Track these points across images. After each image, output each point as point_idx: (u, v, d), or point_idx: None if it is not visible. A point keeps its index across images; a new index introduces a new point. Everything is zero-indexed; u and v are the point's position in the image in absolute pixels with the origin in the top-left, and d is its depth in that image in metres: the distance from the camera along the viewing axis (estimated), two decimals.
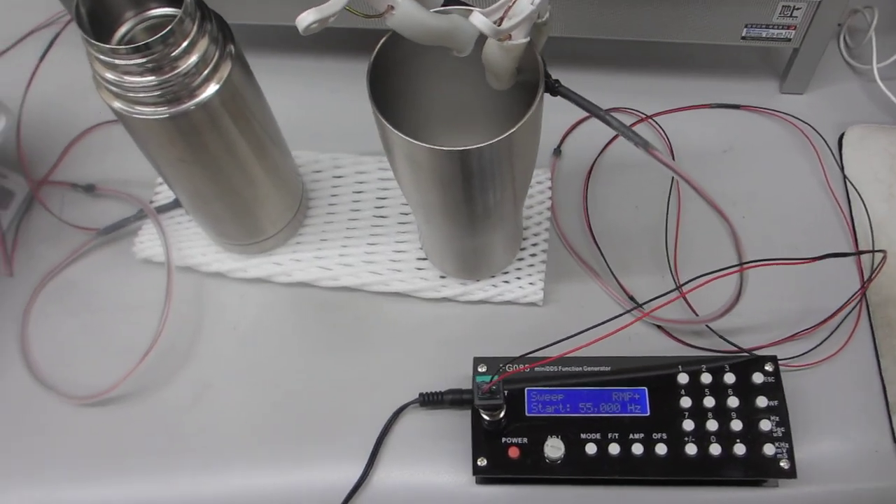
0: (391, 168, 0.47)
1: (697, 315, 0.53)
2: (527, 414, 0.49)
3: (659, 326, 0.54)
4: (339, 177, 0.60)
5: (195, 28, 0.41)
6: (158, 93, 0.42)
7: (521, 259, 0.56)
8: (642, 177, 0.59)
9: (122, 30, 0.44)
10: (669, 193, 0.58)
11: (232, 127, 0.46)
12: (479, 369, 0.50)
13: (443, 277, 0.56)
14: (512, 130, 0.40)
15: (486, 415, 0.48)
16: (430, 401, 0.52)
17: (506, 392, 0.48)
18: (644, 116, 0.61)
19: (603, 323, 0.46)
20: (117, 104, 0.43)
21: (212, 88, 0.43)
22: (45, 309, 0.59)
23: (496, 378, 0.44)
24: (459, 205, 0.46)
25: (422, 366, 0.54)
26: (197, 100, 0.43)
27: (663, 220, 0.58)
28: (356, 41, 0.66)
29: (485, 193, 0.44)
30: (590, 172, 0.60)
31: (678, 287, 0.52)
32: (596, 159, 0.61)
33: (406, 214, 0.58)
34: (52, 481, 0.53)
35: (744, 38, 0.58)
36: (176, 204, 0.60)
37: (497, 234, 0.51)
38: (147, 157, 0.50)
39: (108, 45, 0.40)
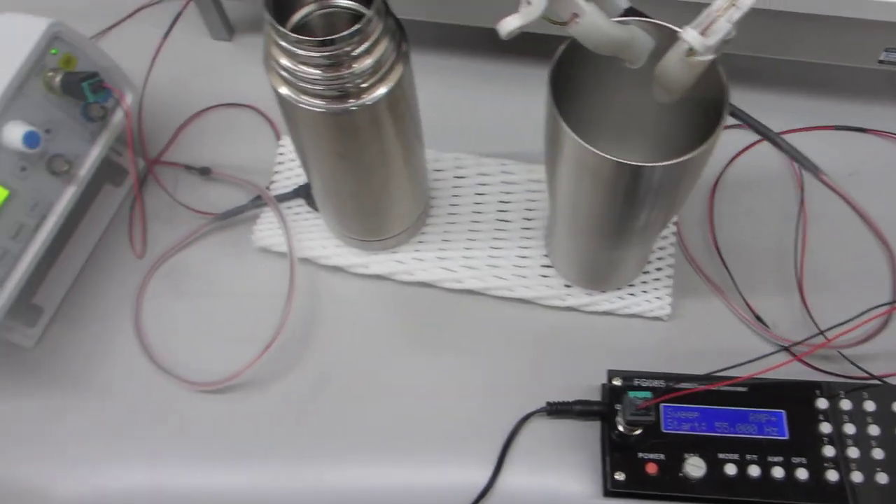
0: (548, 172, 0.47)
1: (829, 340, 0.53)
2: (663, 430, 0.49)
3: (785, 348, 0.54)
4: (461, 177, 0.59)
5: (380, 29, 0.40)
6: (330, 87, 0.41)
7: (646, 272, 0.56)
8: (767, 193, 0.59)
9: (301, 13, 0.43)
10: (799, 213, 0.58)
11: (391, 127, 0.45)
12: (614, 382, 0.51)
13: (567, 286, 0.56)
14: (696, 152, 0.40)
15: (627, 430, 0.48)
16: (557, 410, 0.52)
17: None
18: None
19: (751, 361, 0.47)
20: (284, 90, 0.42)
21: (382, 90, 0.42)
22: (158, 291, 0.59)
23: (656, 399, 0.44)
24: (616, 217, 0.45)
25: (543, 374, 0.54)
26: (365, 99, 0.42)
27: (790, 238, 0.57)
28: (476, 40, 0.66)
29: (645, 209, 0.44)
30: (714, 187, 0.60)
31: (822, 332, 0.53)
32: (721, 174, 0.60)
33: (530, 220, 0.58)
34: (172, 465, 0.53)
35: (881, 61, 0.57)
36: (296, 194, 0.59)
37: (637, 248, 0.51)
38: (296, 146, 0.49)
39: (295, 35, 0.39)
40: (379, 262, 0.57)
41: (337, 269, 0.58)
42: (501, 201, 0.58)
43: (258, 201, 0.60)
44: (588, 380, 0.53)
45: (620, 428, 0.48)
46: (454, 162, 0.60)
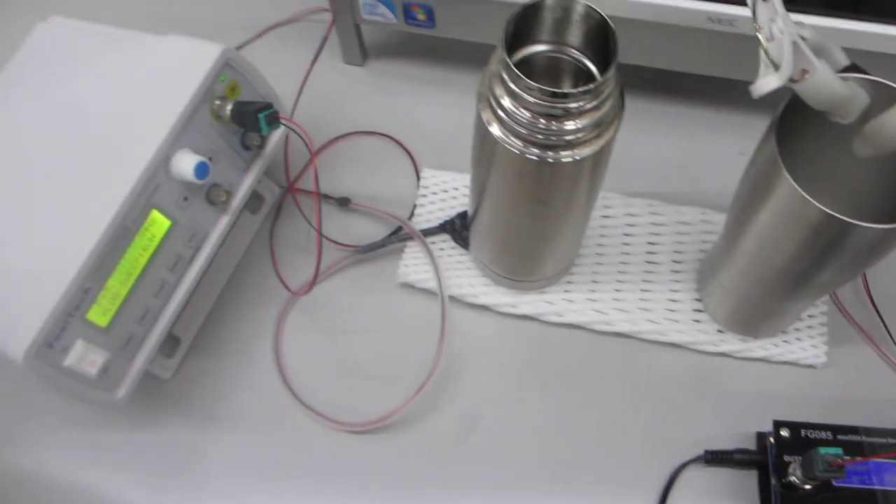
0: (738, 218, 0.47)
1: None
2: (834, 483, 0.48)
3: None
4: (608, 217, 0.59)
5: (612, 87, 0.40)
6: (548, 136, 0.40)
7: (800, 319, 0.56)
8: None
9: (524, 52, 0.42)
10: None
11: (590, 176, 0.45)
12: (782, 433, 0.50)
13: (720, 332, 0.55)
14: None
15: (801, 482, 0.48)
16: (715, 459, 0.52)
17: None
18: None
19: None
20: (496, 129, 0.41)
21: (598, 144, 0.41)
22: (297, 323, 0.58)
23: (856, 458, 0.44)
24: (803, 271, 0.45)
25: (693, 419, 0.54)
26: (580, 152, 0.41)
27: None
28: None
29: (839, 266, 0.44)
30: None
31: None
32: None
33: (679, 263, 0.58)
34: None
35: None
36: (441, 229, 0.59)
37: (809, 300, 0.51)
38: (476, 181, 0.48)
39: (528, 81, 0.38)
40: (528, 303, 0.56)
41: (483, 307, 0.57)
42: (650, 242, 0.58)
43: (402, 235, 0.59)
44: (739, 426, 0.53)
45: (794, 479, 0.48)
46: (601, 201, 0.59)
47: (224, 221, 0.54)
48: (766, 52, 0.36)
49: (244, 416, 0.55)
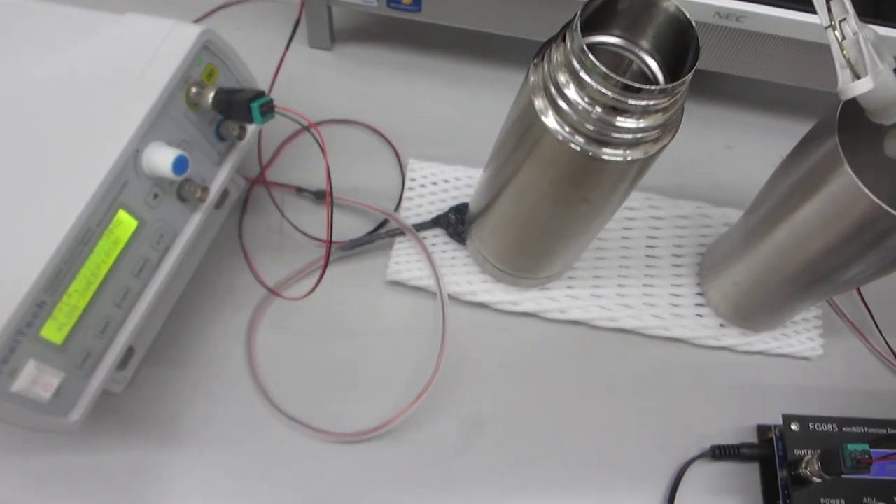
0: (769, 212, 0.45)
1: None
2: (843, 476, 0.49)
3: None
4: None
5: (681, 93, 0.36)
6: (602, 130, 0.36)
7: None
8: None
9: (587, 41, 0.38)
10: None
11: (633, 178, 0.41)
12: (793, 427, 0.50)
13: (722, 326, 0.54)
14: None
15: (817, 477, 0.48)
16: (723, 454, 0.51)
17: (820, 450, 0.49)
18: None
19: None
20: (551, 120, 0.37)
21: (647, 150, 0.37)
22: (273, 328, 0.52)
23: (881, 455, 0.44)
24: (839, 269, 0.44)
25: (696, 414, 0.53)
26: (630, 153, 0.37)
27: None
28: None
29: (872, 266, 0.43)
30: None
31: None
32: None
33: (679, 257, 0.56)
34: None
35: None
36: (435, 223, 0.54)
37: (825, 297, 0.51)
38: (502, 173, 0.44)
39: (606, 71, 0.33)
40: (530, 299, 0.53)
41: (481, 305, 0.54)
42: (650, 237, 0.56)
43: (390, 230, 0.54)
44: (739, 419, 0.53)
45: (806, 472, 0.48)
46: None
47: (195, 220, 0.47)
48: (843, 52, 0.34)
49: (211, 429, 0.49)
